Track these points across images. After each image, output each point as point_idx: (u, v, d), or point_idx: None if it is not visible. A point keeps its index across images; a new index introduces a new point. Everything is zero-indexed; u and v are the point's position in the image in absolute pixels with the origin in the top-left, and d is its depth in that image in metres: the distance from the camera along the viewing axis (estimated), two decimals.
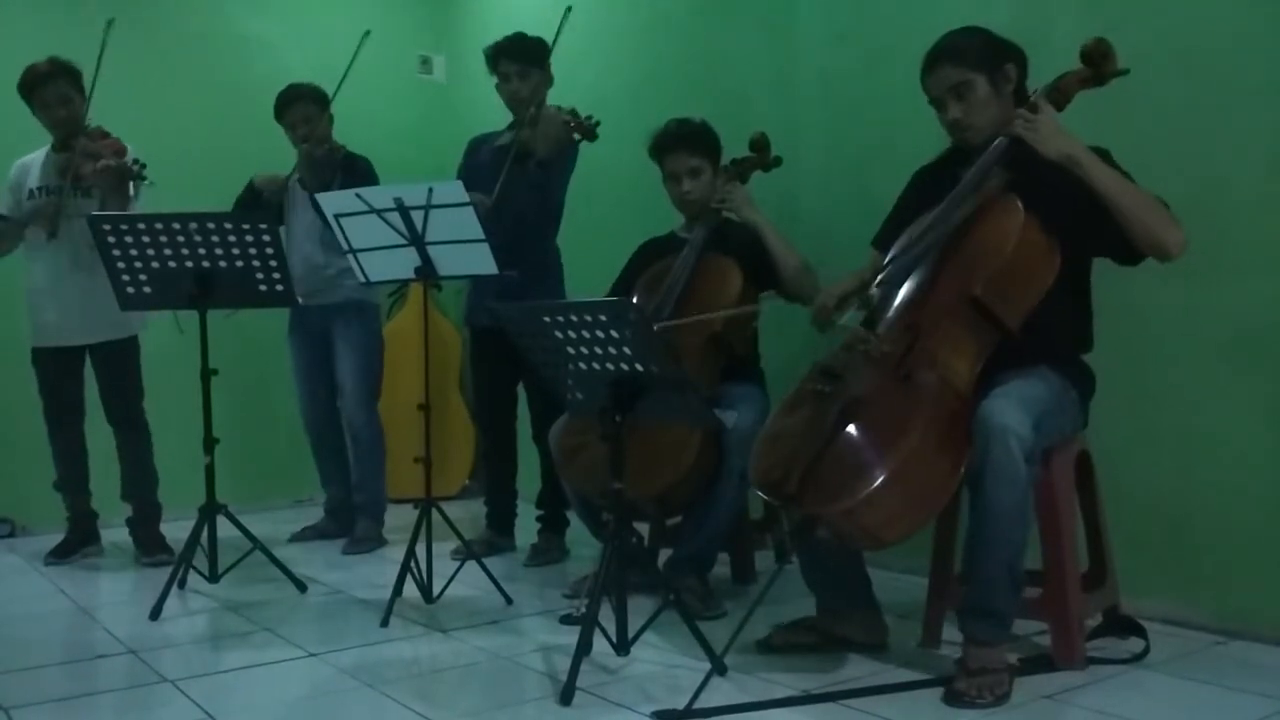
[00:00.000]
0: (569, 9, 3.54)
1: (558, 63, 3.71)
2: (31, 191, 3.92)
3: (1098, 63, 2.47)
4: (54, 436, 3.99)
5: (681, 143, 3.36)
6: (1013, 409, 2.32)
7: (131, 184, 3.67)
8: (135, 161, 3.69)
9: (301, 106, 4.11)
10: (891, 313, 2.57)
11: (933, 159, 2.81)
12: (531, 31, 3.85)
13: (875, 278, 2.63)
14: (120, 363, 3.95)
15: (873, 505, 2.28)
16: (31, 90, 3.84)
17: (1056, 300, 2.46)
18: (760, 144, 3.35)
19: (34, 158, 3.98)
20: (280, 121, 4.18)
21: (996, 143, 2.53)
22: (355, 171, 4.01)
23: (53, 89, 3.82)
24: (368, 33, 3.88)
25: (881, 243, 2.86)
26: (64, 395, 3.96)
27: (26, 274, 3.96)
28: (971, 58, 2.58)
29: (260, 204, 4.09)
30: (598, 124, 3.38)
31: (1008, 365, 2.46)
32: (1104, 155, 2.45)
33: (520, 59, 3.80)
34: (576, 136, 3.46)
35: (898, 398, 2.40)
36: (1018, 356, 2.46)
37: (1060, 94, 2.50)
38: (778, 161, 3.37)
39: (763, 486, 2.51)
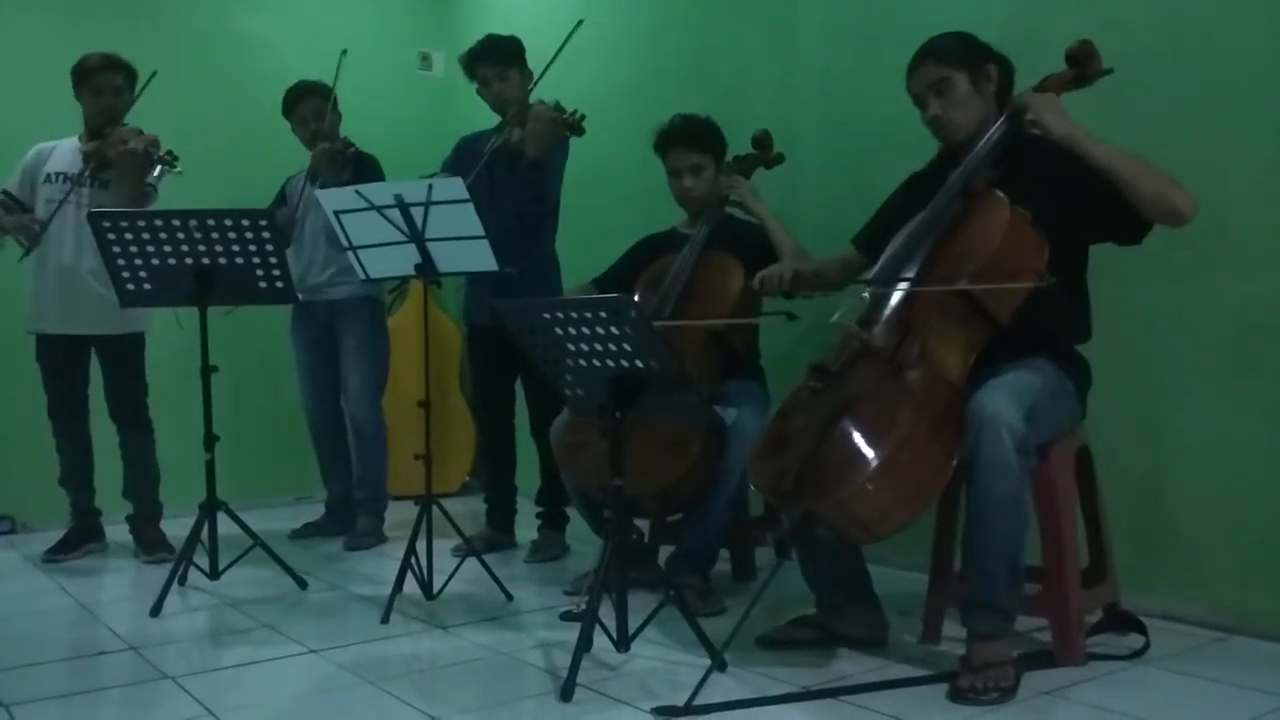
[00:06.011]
0: (580, 22, 3.52)
1: (558, 62, 3.71)
2: (49, 176, 3.92)
3: (1082, 64, 2.52)
4: (58, 432, 3.99)
5: (684, 139, 3.38)
6: (1003, 399, 2.33)
7: (160, 168, 3.68)
8: (169, 152, 3.70)
9: (311, 102, 4.11)
10: (884, 310, 2.58)
11: (924, 165, 2.82)
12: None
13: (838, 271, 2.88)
14: (125, 359, 3.95)
15: (865, 495, 2.29)
16: (87, 75, 3.86)
17: (1052, 292, 2.44)
18: (763, 141, 3.37)
19: (56, 144, 3.98)
20: (289, 117, 4.18)
21: (998, 125, 2.56)
22: (364, 170, 4.01)
23: (108, 77, 3.86)
24: (344, 52, 3.91)
25: (861, 241, 2.90)
26: (68, 388, 3.95)
27: (34, 260, 3.90)
28: (952, 56, 2.62)
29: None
30: (583, 117, 3.38)
31: (1005, 358, 2.47)
32: None
33: (497, 61, 3.81)
34: (566, 134, 3.46)
35: (889, 391, 2.42)
36: (1015, 349, 2.48)
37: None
38: (780, 159, 3.38)
39: (761, 486, 2.54)
